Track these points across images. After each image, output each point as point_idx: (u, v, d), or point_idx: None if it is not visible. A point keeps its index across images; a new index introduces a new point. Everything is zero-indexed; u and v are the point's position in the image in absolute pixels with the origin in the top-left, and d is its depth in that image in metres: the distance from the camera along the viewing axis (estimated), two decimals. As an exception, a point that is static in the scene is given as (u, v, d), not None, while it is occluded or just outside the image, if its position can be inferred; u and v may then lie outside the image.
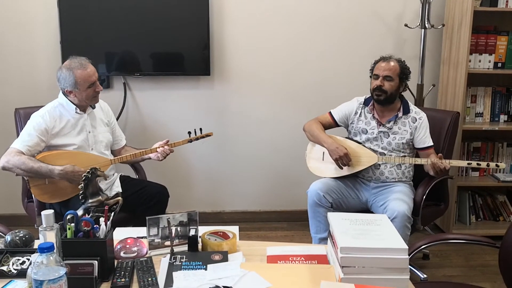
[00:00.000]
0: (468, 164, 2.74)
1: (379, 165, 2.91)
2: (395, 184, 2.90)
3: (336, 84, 3.76)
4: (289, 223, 3.93)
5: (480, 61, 3.56)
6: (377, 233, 1.67)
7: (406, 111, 2.91)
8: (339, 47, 3.74)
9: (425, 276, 3.00)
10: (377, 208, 2.83)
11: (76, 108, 2.77)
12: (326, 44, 3.73)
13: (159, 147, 2.87)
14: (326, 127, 3.07)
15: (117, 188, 2.91)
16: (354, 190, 2.96)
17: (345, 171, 2.91)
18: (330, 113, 3.09)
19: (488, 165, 2.71)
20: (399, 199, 2.70)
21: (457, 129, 3.14)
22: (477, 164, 2.73)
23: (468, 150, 3.69)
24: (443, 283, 2.58)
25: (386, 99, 2.85)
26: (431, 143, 2.90)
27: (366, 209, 2.95)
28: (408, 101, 2.96)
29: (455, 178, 3.52)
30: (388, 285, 1.53)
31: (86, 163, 2.68)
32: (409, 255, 1.60)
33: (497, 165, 2.70)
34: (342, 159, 2.85)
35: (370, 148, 2.92)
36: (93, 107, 2.87)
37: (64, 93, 2.77)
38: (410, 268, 2.48)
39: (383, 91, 2.83)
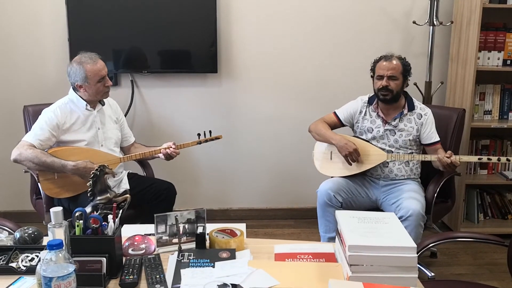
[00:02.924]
0: (479, 159, 2.73)
1: (388, 162, 2.90)
2: (404, 181, 2.89)
3: (344, 81, 3.75)
4: (296, 220, 3.93)
5: (489, 58, 3.54)
6: (385, 231, 1.66)
7: (411, 107, 2.90)
8: (346, 44, 3.72)
9: (432, 274, 2.99)
10: (388, 207, 2.82)
11: (86, 105, 2.79)
12: (334, 41, 3.72)
13: (167, 148, 2.88)
14: (331, 127, 3.06)
15: (125, 185, 2.92)
16: (363, 189, 2.95)
17: (354, 169, 2.90)
18: (334, 113, 3.09)
19: (499, 159, 2.70)
20: (412, 198, 2.69)
21: (463, 126, 3.13)
22: (488, 159, 2.71)
23: (477, 148, 3.67)
24: (451, 282, 2.57)
25: (393, 97, 2.85)
26: (438, 138, 2.89)
27: (376, 208, 2.93)
28: (413, 98, 2.95)
29: (463, 176, 3.51)
30: (396, 284, 1.52)
31: (97, 160, 2.70)
32: (417, 253, 1.59)
33: (508, 159, 2.69)
34: (352, 155, 2.85)
35: (377, 147, 2.91)
36: (103, 104, 2.88)
37: (74, 88, 2.79)
38: (418, 266, 2.48)
39: (389, 90, 2.82)
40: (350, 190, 2.90)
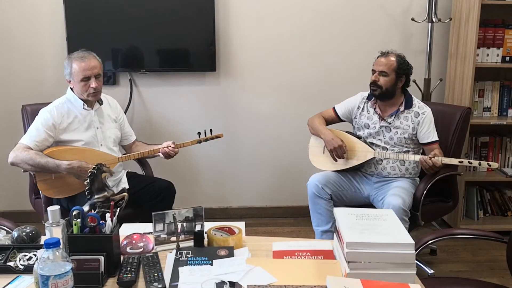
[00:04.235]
0: (460, 162, 2.71)
1: (381, 160, 2.91)
2: (396, 179, 2.89)
3: (342, 79, 3.75)
4: (296, 218, 3.93)
5: (488, 55, 3.53)
6: (383, 228, 1.66)
7: (409, 105, 2.89)
8: (345, 42, 3.72)
9: (432, 271, 2.99)
10: (377, 203, 2.85)
11: (83, 104, 2.78)
12: (332, 39, 3.71)
13: (167, 147, 2.87)
14: (329, 122, 3.09)
15: (124, 184, 2.92)
16: (354, 184, 2.97)
17: (342, 164, 2.93)
18: (334, 108, 3.10)
19: (480, 164, 2.69)
20: (395, 194, 2.71)
21: (467, 125, 3.09)
22: (469, 162, 2.71)
23: (476, 145, 3.67)
24: (451, 279, 2.57)
25: (382, 94, 2.85)
26: (435, 138, 2.87)
27: (369, 203, 2.95)
28: (413, 96, 2.94)
29: (463, 173, 3.49)
30: (394, 280, 1.52)
31: (94, 160, 2.68)
32: (416, 250, 1.59)
33: (489, 164, 2.67)
34: (337, 150, 2.88)
35: (372, 143, 2.92)
36: (101, 103, 2.87)
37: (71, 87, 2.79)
38: (418, 264, 2.47)
39: (378, 86, 2.84)
40: (340, 184, 2.92)
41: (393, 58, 2.84)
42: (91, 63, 2.71)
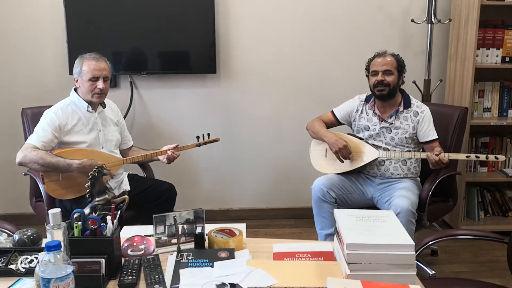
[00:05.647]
0: (467, 157, 2.73)
1: (384, 161, 2.91)
2: (400, 180, 2.89)
3: (342, 80, 3.75)
4: (297, 220, 3.93)
5: (487, 55, 3.54)
6: (384, 229, 1.66)
7: (407, 105, 2.90)
8: (345, 44, 3.72)
9: (433, 272, 2.99)
10: (382, 205, 2.84)
11: (88, 106, 2.80)
12: (332, 40, 3.72)
13: (168, 150, 2.88)
14: (328, 125, 3.09)
15: (126, 186, 2.93)
16: (358, 186, 2.96)
17: (347, 166, 2.92)
18: (332, 111, 3.11)
19: (487, 157, 2.71)
20: (402, 196, 2.70)
21: (465, 125, 3.11)
22: (476, 156, 2.72)
23: (476, 146, 3.67)
24: (452, 279, 2.57)
25: (389, 92, 2.85)
26: (435, 136, 2.89)
27: (372, 205, 2.95)
28: (410, 95, 2.95)
29: (463, 174, 3.50)
30: (395, 281, 1.52)
31: (100, 161, 2.69)
32: (416, 251, 1.60)
33: (496, 157, 2.69)
34: (342, 151, 2.87)
35: (373, 145, 2.92)
36: (104, 106, 2.89)
37: (75, 89, 2.81)
38: (418, 265, 2.47)
39: (386, 85, 2.83)
40: (344, 187, 2.92)
41: (390, 58, 2.86)
42: (101, 65, 2.76)
